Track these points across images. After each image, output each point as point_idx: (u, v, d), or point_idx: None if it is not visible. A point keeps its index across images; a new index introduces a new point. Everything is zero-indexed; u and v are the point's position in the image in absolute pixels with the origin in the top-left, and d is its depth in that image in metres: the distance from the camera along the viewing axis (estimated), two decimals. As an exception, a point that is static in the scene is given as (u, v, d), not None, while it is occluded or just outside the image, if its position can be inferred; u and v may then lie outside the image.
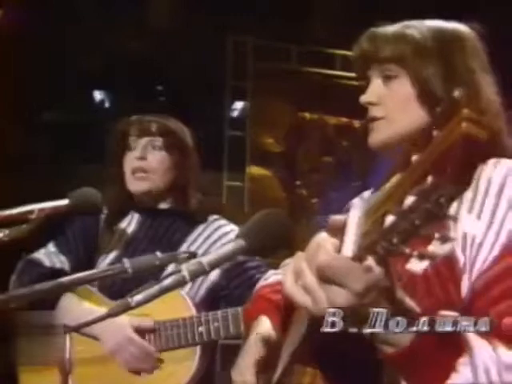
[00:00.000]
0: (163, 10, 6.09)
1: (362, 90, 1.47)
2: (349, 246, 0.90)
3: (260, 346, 1.44)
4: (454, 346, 1.01)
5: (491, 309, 1.09)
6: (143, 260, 1.47)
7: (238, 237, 1.40)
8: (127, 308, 1.29)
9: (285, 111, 6.83)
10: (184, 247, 2.28)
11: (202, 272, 1.35)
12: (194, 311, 2.14)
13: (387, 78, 1.41)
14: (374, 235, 0.85)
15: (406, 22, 1.43)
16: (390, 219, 0.82)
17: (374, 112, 1.42)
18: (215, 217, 2.36)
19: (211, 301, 2.25)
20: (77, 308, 2.17)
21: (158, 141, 2.32)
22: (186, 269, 1.33)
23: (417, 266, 1.17)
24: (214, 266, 1.36)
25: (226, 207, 5.67)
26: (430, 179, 0.78)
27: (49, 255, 2.35)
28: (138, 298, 1.30)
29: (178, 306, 2.13)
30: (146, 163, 2.31)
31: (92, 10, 5.74)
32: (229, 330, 2.07)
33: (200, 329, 2.10)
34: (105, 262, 2.30)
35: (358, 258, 0.91)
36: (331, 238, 0.96)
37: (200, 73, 5.97)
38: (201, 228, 2.33)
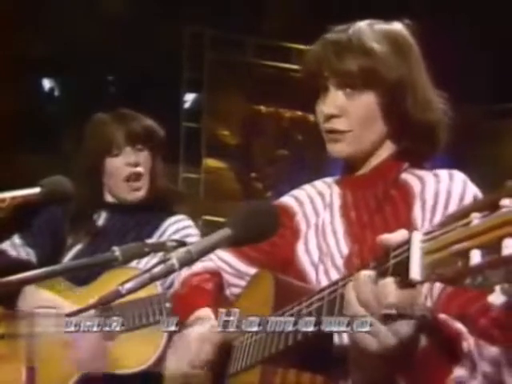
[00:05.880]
0: (119, -2, 6.02)
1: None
2: (416, 270, 0.91)
3: (211, 341, 1.41)
4: (454, 341, 1.05)
5: (466, 310, 1.12)
6: (133, 248, 1.46)
7: (225, 226, 1.41)
8: (118, 296, 1.28)
9: (241, 104, 6.84)
10: None
11: (191, 260, 1.35)
12: (159, 290, 2.12)
13: (351, 90, 1.38)
14: (453, 268, 0.85)
15: (358, 28, 1.39)
16: (477, 255, 0.82)
17: (337, 125, 1.39)
18: (181, 217, 2.37)
19: None
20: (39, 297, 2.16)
21: (146, 144, 2.33)
22: (175, 257, 1.33)
23: None
24: (201, 254, 1.37)
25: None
26: None
27: (14, 247, 2.32)
28: (129, 285, 1.29)
29: None
30: (138, 169, 2.32)
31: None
32: None
33: (168, 305, 2.09)
34: (69, 255, 2.29)
35: (421, 282, 0.93)
36: (371, 272, 0.98)
37: (156, 64, 5.92)
38: (166, 224, 2.34)
